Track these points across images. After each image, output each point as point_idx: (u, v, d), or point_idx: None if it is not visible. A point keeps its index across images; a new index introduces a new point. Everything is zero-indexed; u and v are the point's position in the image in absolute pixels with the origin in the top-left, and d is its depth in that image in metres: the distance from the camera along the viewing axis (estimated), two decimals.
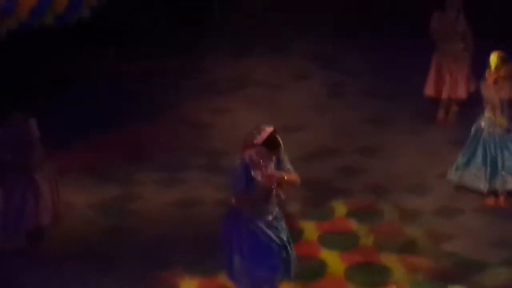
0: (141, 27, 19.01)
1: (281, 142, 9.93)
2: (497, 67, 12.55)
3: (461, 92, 15.43)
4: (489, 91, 12.63)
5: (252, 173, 9.78)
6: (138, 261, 11.81)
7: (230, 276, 10.52)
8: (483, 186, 12.97)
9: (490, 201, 13.10)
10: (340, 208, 13.04)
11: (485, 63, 13.01)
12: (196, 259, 11.77)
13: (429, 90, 15.63)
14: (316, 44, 19.65)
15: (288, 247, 10.30)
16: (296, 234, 11.53)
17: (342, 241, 12.05)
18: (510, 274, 11.37)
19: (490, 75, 12.63)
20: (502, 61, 12.55)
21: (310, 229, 12.40)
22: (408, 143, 15.08)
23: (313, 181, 12.05)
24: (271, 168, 9.90)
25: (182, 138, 15.56)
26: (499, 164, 12.89)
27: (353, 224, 12.65)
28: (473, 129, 13.05)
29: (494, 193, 13.06)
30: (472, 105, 14.97)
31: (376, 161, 14.54)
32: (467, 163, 13.04)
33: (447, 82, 15.45)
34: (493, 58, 12.59)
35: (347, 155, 14.50)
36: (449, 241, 12.25)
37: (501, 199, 13.05)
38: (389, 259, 11.70)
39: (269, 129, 9.85)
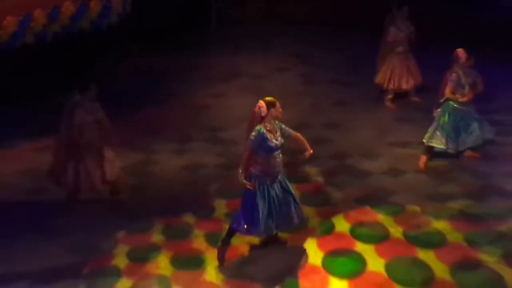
0: (157, 31, 19.13)
1: (273, 98, 10.12)
2: (467, 60, 12.72)
3: (419, 80, 15.66)
4: (460, 78, 12.77)
5: (269, 139, 9.94)
6: (155, 210, 12.06)
7: (251, 230, 10.41)
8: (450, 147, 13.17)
9: (422, 163, 13.29)
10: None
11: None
12: (200, 208, 12.06)
13: (386, 83, 15.78)
14: (294, 44, 19.73)
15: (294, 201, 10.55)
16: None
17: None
18: (442, 220, 11.44)
19: (460, 66, 12.73)
20: (469, 55, 12.75)
21: None
22: (364, 120, 15.30)
23: (291, 149, 12.23)
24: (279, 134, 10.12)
25: (189, 117, 15.69)
26: (468, 130, 13.08)
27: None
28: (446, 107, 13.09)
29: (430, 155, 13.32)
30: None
31: (339, 133, 14.69)
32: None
33: (408, 75, 15.63)
34: (463, 54, 12.70)
35: (317, 129, 14.67)
36: (395, 194, 12.38)
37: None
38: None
39: (261, 102, 9.99)
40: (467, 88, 12.86)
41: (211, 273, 10.41)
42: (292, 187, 10.63)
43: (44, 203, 12.41)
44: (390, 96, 15.91)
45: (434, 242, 10.66)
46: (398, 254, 10.44)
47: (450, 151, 13.21)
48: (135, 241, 11.24)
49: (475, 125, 13.16)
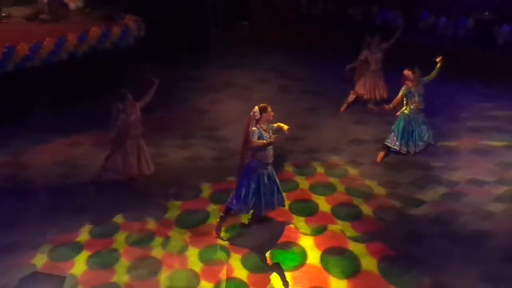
0: (166, 50, 18.88)
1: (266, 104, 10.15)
2: (416, 76, 12.51)
3: (385, 94, 15.21)
4: (414, 90, 12.54)
5: (265, 135, 9.98)
6: (163, 192, 11.96)
7: (243, 207, 10.41)
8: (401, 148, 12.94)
9: (379, 158, 13.09)
10: (287, 166, 13.02)
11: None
12: (200, 190, 12.01)
13: (366, 93, 15.50)
14: (273, 61, 19.49)
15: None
16: None
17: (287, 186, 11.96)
18: (393, 203, 11.55)
19: (413, 80, 12.50)
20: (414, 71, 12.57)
21: None
22: (329, 122, 15.05)
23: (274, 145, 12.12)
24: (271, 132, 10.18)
25: (191, 119, 15.40)
26: (415, 135, 12.84)
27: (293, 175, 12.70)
28: (401, 115, 12.86)
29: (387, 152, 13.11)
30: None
31: (310, 133, 14.46)
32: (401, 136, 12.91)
33: (378, 89, 15.33)
34: (411, 72, 12.49)
35: (292, 129, 13.93)
36: (355, 181, 12.33)
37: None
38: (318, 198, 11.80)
39: (256, 107, 10.05)
40: (417, 97, 12.60)
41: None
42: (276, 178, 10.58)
43: (72, 187, 12.23)
44: (372, 102, 15.55)
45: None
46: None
47: (402, 152, 13.00)
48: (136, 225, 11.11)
49: (424, 130, 12.90)
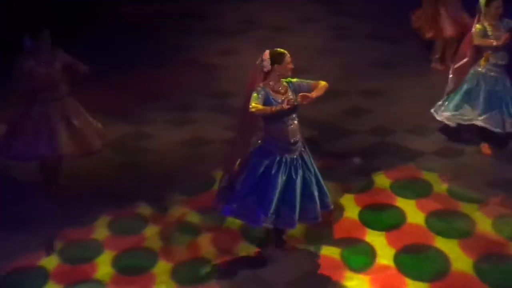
0: None
1: (282, 50, 9.81)
2: (496, 9, 12.18)
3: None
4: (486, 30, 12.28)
5: (277, 99, 9.61)
6: (146, 196, 11.85)
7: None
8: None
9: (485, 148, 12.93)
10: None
11: None
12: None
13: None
14: None
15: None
16: None
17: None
18: (503, 210, 11.40)
19: (487, 18, 12.25)
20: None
21: None
22: (410, 85, 14.99)
23: (320, 122, 11.99)
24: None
25: (193, 80, 15.49)
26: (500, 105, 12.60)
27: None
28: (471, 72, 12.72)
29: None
30: None
31: (379, 103, 14.43)
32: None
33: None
34: (483, 4, 12.22)
35: (351, 97, 14.32)
36: (451, 180, 12.14)
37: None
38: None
39: (266, 53, 9.76)
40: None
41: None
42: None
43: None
44: (438, 57, 15.61)
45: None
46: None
47: (451, 124, 13.00)
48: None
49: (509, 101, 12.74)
